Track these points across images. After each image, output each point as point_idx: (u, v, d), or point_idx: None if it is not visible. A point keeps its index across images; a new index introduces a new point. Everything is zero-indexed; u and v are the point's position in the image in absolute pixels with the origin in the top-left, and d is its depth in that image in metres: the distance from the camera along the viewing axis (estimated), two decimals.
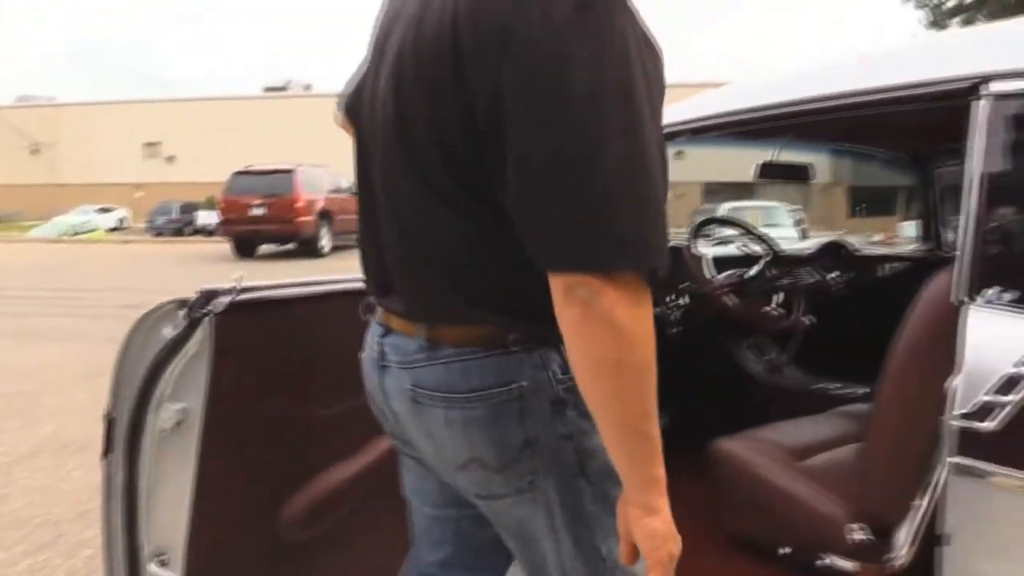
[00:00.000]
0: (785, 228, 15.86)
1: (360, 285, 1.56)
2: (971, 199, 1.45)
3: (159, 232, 29.13)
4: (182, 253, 20.01)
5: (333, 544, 1.69)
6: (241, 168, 17.75)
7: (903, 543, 1.61)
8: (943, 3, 17.14)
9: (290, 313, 1.61)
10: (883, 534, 1.66)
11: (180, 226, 29.58)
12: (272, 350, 1.55)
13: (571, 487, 1.12)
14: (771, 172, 2.62)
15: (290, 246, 17.39)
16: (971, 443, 1.33)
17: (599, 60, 0.89)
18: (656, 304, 2.48)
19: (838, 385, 2.68)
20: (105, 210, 33.42)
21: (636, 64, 0.91)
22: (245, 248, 17.35)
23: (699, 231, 2.63)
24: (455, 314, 1.09)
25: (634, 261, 0.91)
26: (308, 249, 16.73)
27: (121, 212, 34.33)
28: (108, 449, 1.44)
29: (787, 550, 1.89)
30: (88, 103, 42.77)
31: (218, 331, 1.41)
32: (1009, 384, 1.30)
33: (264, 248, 17.78)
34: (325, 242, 17.07)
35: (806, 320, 2.65)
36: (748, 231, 2.81)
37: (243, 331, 1.46)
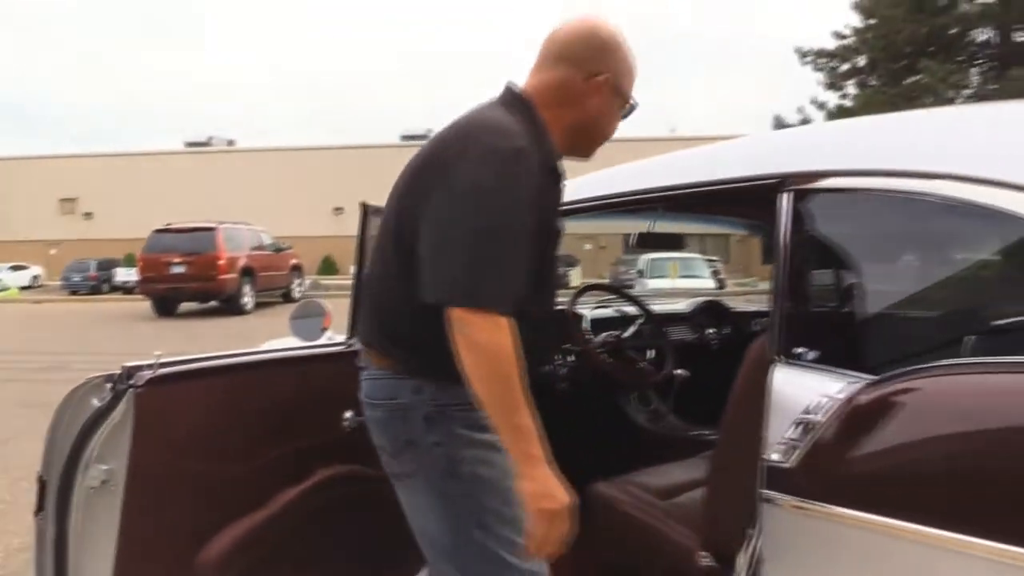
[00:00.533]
0: (703, 279, 16.48)
1: (266, 356, 1.78)
2: (779, 275, 1.76)
3: (74, 290, 28.43)
4: (99, 312, 19.60)
5: None
6: (161, 226, 17.65)
7: (741, 567, 1.88)
8: (838, 67, 18.29)
9: (205, 384, 1.83)
10: (727, 560, 1.92)
11: (97, 284, 28.94)
12: (189, 416, 1.77)
13: (442, 484, 1.56)
14: (646, 241, 2.94)
15: (212, 304, 17.26)
16: (775, 478, 1.62)
17: (492, 185, 1.43)
18: (547, 363, 2.74)
19: (711, 432, 2.98)
20: (18, 268, 32.45)
21: (516, 193, 1.44)
22: (165, 306, 17.15)
23: (579, 296, 2.93)
24: (378, 346, 1.63)
25: (490, 304, 1.39)
26: (231, 307, 16.62)
27: (35, 270, 33.39)
28: (40, 507, 1.63)
29: None
30: (1, 158, 41.63)
31: (139, 402, 1.63)
32: (802, 428, 1.59)
33: (185, 306, 17.59)
34: (248, 299, 17.00)
35: (679, 373, 2.95)
36: (623, 295, 3.12)
37: (162, 401, 1.68)
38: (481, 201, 1.43)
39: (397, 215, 1.58)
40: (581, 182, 2.41)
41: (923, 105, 16.12)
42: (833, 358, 1.66)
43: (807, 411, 1.59)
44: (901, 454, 1.47)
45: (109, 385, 1.63)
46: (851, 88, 18.55)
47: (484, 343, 1.38)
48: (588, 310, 3.02)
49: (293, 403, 2.01)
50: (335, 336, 2.59)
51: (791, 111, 18.79)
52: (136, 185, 38.55)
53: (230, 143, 43.76)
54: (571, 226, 2.19)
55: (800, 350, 1.72)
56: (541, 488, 1.43)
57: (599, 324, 2.95)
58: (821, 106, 18.18)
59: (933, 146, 1.62)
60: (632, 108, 1.74)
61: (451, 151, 1.50)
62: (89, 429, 1.60)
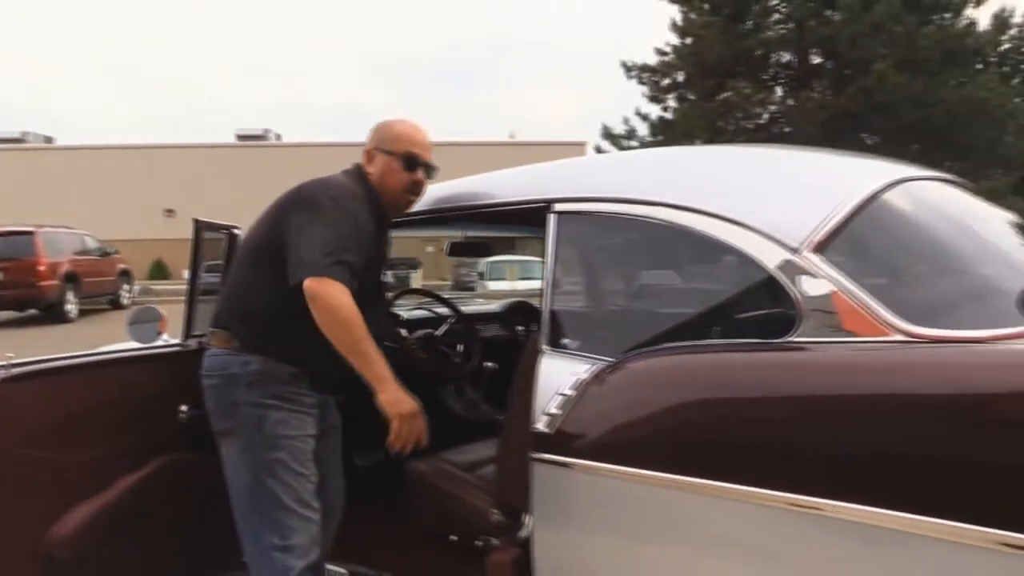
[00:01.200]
0: (540, 280, 17.17)
1: (110, 356, 2.05)
2: (547, 281, 2.19)
3: None
4: None
5: (95, 558, 2.13)
6: None
7: (526, 520, 2.29)
8: (659, 81, 19.53)
9: (54, 382, 2.07)
10: (514, 515, 2.34)
11: None
12: (40, 411, 2.01)
13: (250, 437, 2.10)
14: (458, 250, 3.34)
15: (31, 312, 16.32)
16: (541, 443, 2.04)
17: (332, 207, 2.11)
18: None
19: None
20: None
21: (348, 214, 2.12)
22: None
23: (396, 299, 3.29)
24: (228, 326, 2.18)
25: (328, 274, 1.99)
26: (53, 315, 15.77)
27: None
28: None
29: (455, 538, 2.55)
30: None
31: None
32: (560, 401, 2.02)
33: (1, 315, 16.55)
34: (71, 307, 16.17)
35: (489, 365, 3.37)
36: (437, 298, 3.51)
37: (15, 398, 1.92)
38: (325, 215, 2.09)
39: (258, 229, 2.22)
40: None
41: (734, 119, 17.58)
42: (589, 347, 2.11)
43: (564, 388, 2.02)
44: (630, 415, 1.91)
45: None
46: (672, 101, 19.84)
47: (326, 301, 1.97)
48: (406, 312, 3.38)
49: (134, 398, 2.27)
50: (170, 339, 2.83)
51: (618, 120, 19.96)
52: None
53: (48, 140, 40.88)
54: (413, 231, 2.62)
55: (565, 341, 2.15)
56: (393, 398, 2.04)
57: (418, 324, 3.32)
58: (644, 117, 19.42)
59: (655, 180, 2.10)
60: (413, 158, 2.34)
61: (308, 191, 2.18)
62: None
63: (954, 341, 1.60)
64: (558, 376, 2.05)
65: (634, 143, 19.35)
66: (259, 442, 2.09)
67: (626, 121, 19.54)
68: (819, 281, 1.72)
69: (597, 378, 1.96)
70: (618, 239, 2.19)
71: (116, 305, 18.03)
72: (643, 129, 19.39)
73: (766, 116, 18.08)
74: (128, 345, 2.72)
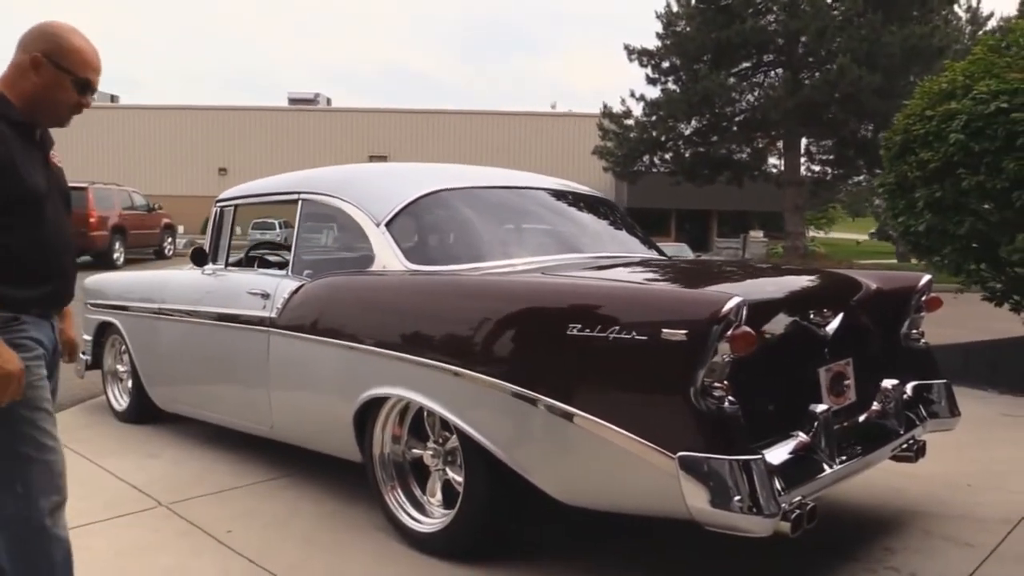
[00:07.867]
0: None
1: None
2: (294, 238, 4.02)
3: None
4: None
5: None
6: None
7: None
8: (660, 63, 20.90)
9: None
10: None
11: None
12: None
13: None
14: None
15: (85, 258, 18.59)
16: (272, 323, 3.88)
17: None
18: None
19: None
20: None
21: None
22: None
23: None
24: None
25: None
26: (103, 261, 17.90)
27: None
28: None
29: None
30: None
31: None
32: (283, 300, 3.85)
33: None
34: (119, 255, 18.38)
35: None
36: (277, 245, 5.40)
37: None
38: None
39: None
40: (252, 185, 4.66)
41: (710, 105, 18.92)
42: (310, 275, 3.93)
43: (286, 294, 3.84)
44: (308, 307, 3.73)
45: None
46: (671, 84, 21.15)
47: None
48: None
49: None
50: None
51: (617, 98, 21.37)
52: None
53: (113, 99, 43.38)
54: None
55: (295, 270, 3.97)
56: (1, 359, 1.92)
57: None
58: (640, 99, 20.82)
59: (335, 182, 3.95)
60: (88, 84, 2.14)
61: None
62: None
63: (429, 272, 3.39)
64: (287, 288, 3.88)
65: (630, 122, 20.86)
66: None
67: (623, 102, 21.07)
68: (383, 241, 3.53)
69: (298, 290, 3.79)
70: (316, 213, 4.04)
71: (160, 255, 20.32)
72: (638, 109, 20.88)
73: (743, 103, 19.40)
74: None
